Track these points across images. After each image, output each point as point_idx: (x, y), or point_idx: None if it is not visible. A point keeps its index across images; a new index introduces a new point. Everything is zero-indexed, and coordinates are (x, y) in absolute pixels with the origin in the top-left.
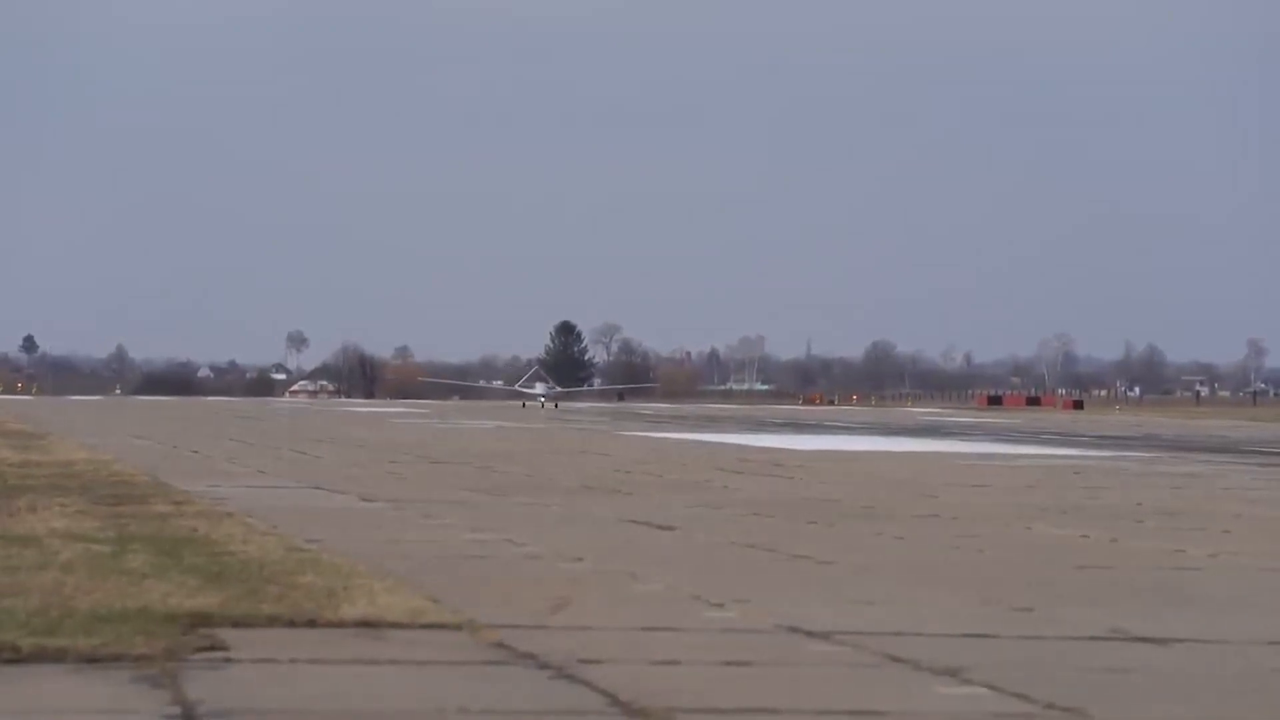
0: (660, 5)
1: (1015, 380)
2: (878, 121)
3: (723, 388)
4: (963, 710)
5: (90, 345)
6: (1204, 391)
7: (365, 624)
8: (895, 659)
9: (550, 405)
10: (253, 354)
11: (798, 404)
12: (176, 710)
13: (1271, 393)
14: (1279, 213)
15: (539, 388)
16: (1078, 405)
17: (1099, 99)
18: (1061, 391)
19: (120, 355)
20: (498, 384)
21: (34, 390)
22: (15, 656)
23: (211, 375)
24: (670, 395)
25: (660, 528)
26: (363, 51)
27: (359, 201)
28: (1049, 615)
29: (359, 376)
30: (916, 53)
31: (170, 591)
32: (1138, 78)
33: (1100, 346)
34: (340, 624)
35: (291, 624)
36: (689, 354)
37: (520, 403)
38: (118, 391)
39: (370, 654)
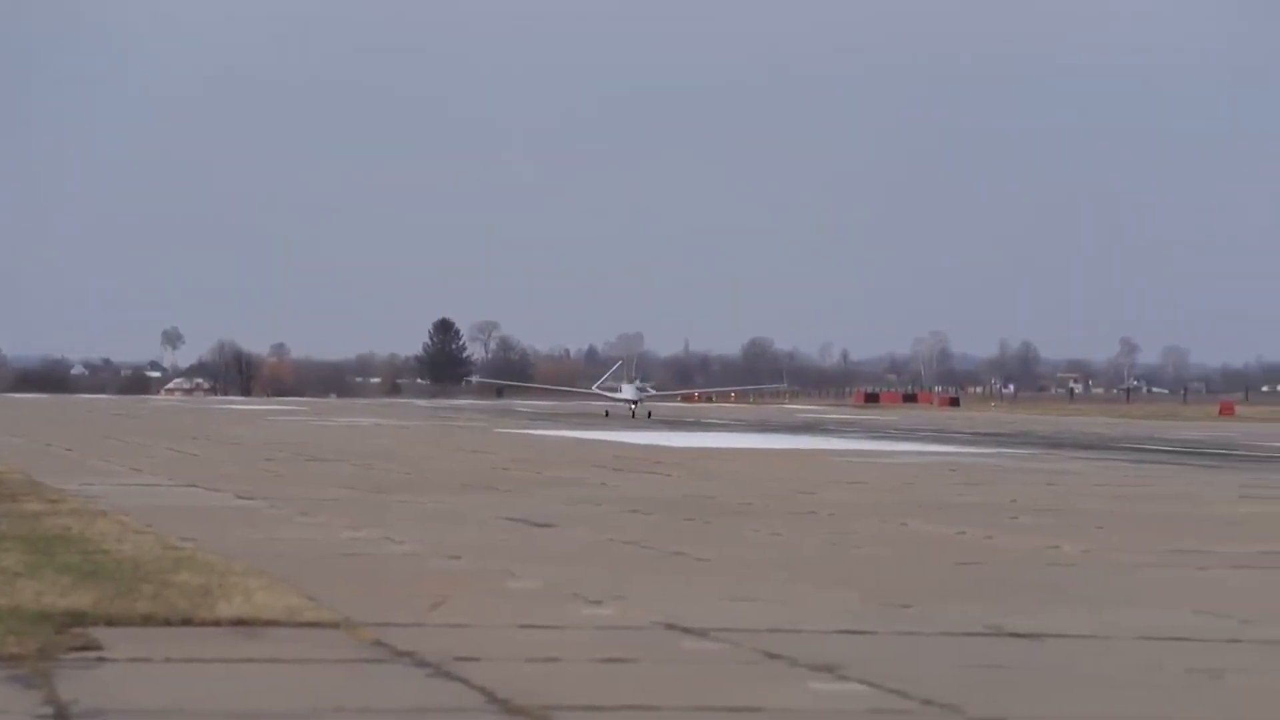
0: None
1: (892, 377)
2: (762, 123)
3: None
4: (839, 707)
5: None
6: (1078, 389)
7: (241, 622)
8: (772, 655)
9: (643, 413)
10: (127, 351)
11: (676, 401)
12: (49, 710)
13: (1145, 389)
14: (1153, 209)
15: (626, 390)
16: (954, 402)
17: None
18: (938, 389)
19: None
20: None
21: None
22: None
23: (85, 373)
24: (549, 393)
25: (539, 525)
26: (282, 54)
27: (234, 198)
28: (926, 611)
29: (235, 374)
30: (815, 56)
31: (43, 590)
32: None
33: (975, 344)
34: (216, 623)
35: (166, 623)
36: (568, 351)
37: (602, 411)
38: None
39: (246, 653)
